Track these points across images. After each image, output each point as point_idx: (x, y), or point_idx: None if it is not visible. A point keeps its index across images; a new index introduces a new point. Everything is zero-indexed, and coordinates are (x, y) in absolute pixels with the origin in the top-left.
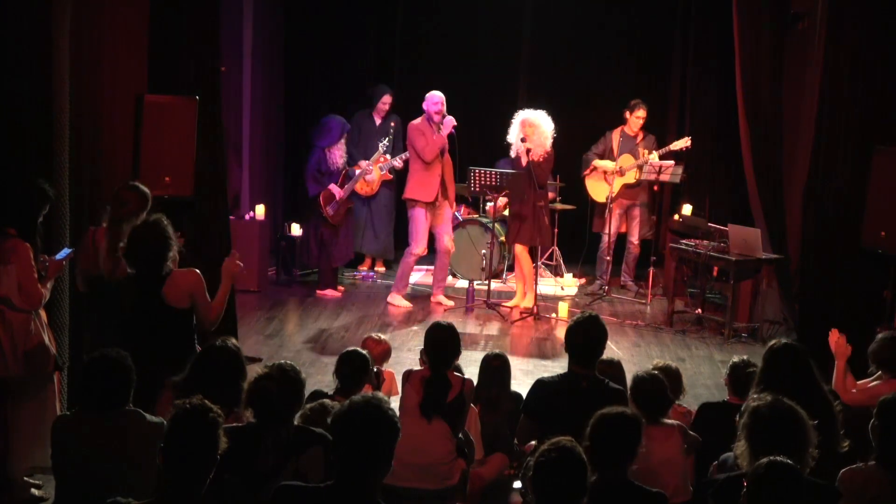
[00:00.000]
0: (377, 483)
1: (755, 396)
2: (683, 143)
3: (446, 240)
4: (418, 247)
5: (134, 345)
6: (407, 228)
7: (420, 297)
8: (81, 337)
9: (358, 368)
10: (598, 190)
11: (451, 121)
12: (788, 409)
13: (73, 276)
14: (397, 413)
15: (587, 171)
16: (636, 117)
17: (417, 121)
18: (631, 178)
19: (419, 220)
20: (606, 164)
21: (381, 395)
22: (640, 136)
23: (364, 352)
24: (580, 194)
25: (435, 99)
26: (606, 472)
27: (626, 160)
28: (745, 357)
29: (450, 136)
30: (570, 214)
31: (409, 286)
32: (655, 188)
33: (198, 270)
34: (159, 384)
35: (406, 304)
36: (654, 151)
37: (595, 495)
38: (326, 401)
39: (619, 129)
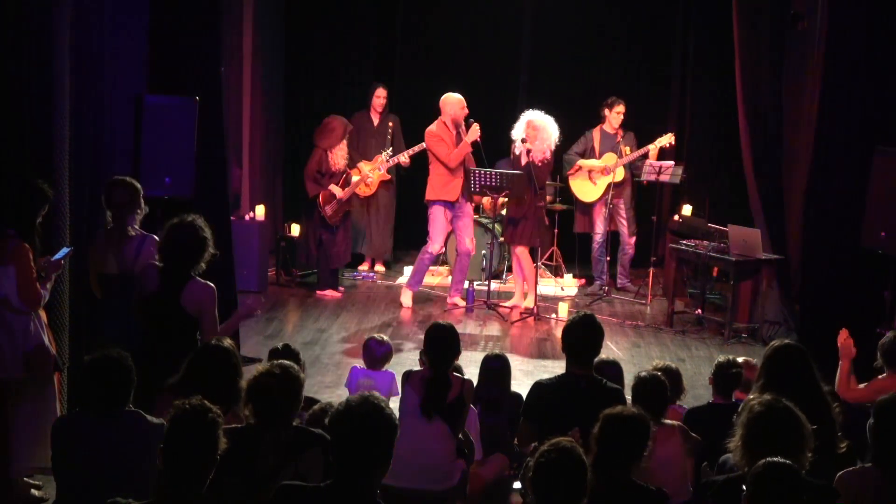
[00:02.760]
0: (376, 483)
1: (754, 396)
2: (667, 139)
3: (467, 241)
4: (435, 245)
5: (141, 336)
6: (408, 228)
7: (422, 298)
8: (81, 337)
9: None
10: (583, 189)
11: (477, 129)
12: (785, 409)
13: (72, 278)
14: (396, 413)
15: (572, 171)
16: (616, 113)
17: (433, 126)
18: (619, 175)
19: (438, 219)
20: (592, 162)
21: (378, 394)
22: (620, 134)
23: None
24: None
25: (462, 103)
26: (612, 471)
27: (610, 159)
28: (730, 357)
29: (475, 142)
30: (569, 215)
31: (421, 283)
32: (646, 182)
33: (213, 286)
34: (159, 385)
35: (408, 304)
36: (653, 144)
37: (598, 493)
38: (334, 402)
39: (598, 127)
